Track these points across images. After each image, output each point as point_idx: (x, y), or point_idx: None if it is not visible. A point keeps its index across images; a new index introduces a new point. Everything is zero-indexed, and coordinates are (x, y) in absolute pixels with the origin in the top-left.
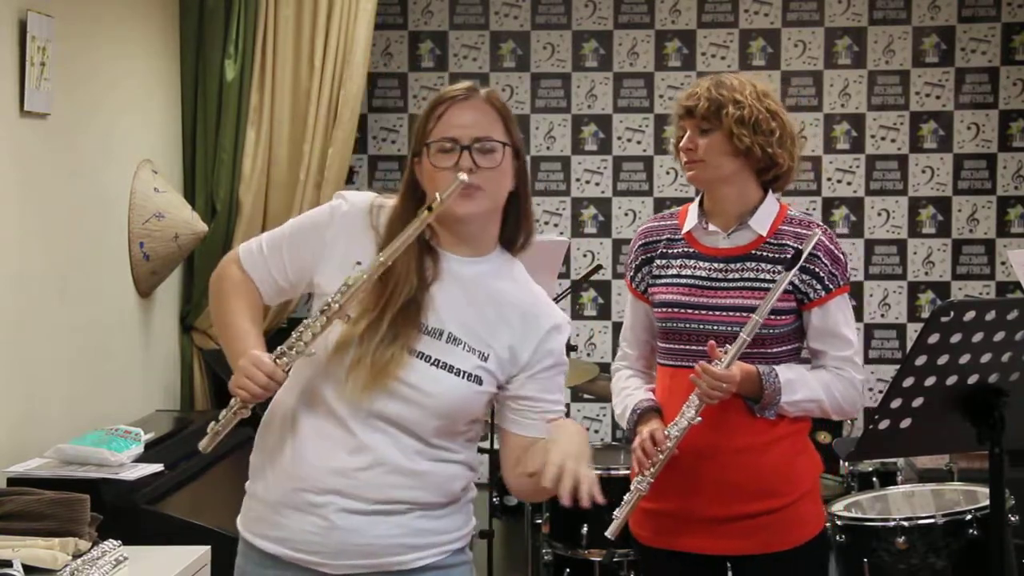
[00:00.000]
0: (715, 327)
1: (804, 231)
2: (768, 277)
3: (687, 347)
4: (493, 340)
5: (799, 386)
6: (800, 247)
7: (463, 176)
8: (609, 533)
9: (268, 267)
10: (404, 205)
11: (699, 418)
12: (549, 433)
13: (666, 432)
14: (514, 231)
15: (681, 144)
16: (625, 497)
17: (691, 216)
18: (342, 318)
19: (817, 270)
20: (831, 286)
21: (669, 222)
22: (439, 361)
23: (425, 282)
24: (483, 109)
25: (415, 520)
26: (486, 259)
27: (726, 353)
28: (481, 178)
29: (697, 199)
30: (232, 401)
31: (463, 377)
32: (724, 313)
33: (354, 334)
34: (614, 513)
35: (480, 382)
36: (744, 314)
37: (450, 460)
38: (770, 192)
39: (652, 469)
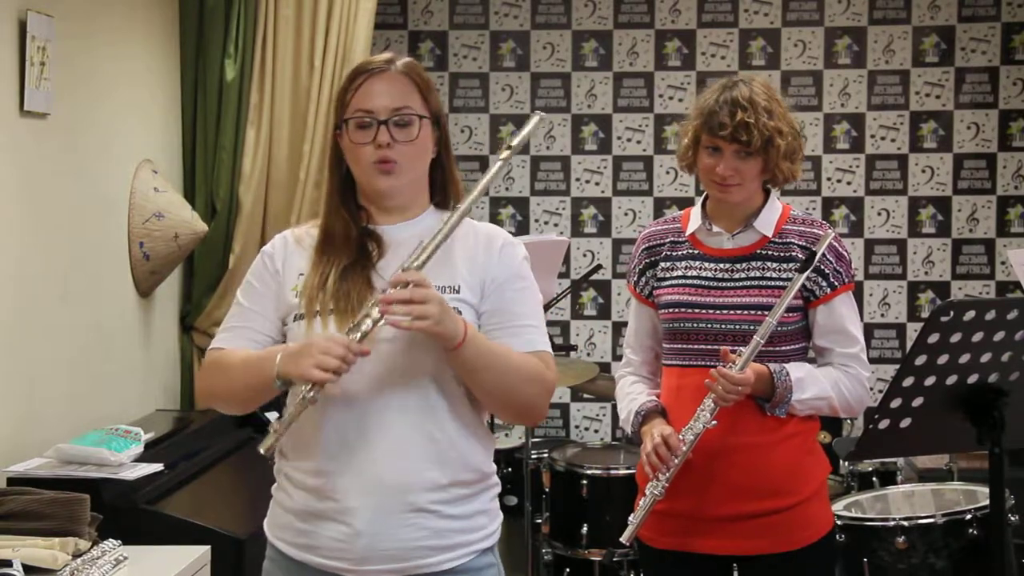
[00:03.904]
0: (723, 326)
1: (809, 229)
2: (774, 275)
3: (695, 346)
4: (457, 273)
5: (809, 384)
6: (806, 245)
7: (541, 114)
8: (624, 539)
9: (250, 330)
10: (333, 179)
11: (715, 422)
12: (522, 348)
13: (680, 436)
14: (442, 195)
15: (719, 169)
16: (640, 502)
17: (694, 218)
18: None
19: (823, 268)
20: (836, 283)
21: (672, 226)
22: None
23: (371, 258)
24: (400, 81)
25: (440, 521)
26: (421, 219)
27: (740, 356)
28: (398, 152)
29: (699, 201)
30: (300, 389)
31: None
32: (732, 312)
33: (316, 319)
34: (629, 519)
35: (460, 312)
36: (751, 312)
37: (465, 425)
38: (772, 193)
39: (667, 474)
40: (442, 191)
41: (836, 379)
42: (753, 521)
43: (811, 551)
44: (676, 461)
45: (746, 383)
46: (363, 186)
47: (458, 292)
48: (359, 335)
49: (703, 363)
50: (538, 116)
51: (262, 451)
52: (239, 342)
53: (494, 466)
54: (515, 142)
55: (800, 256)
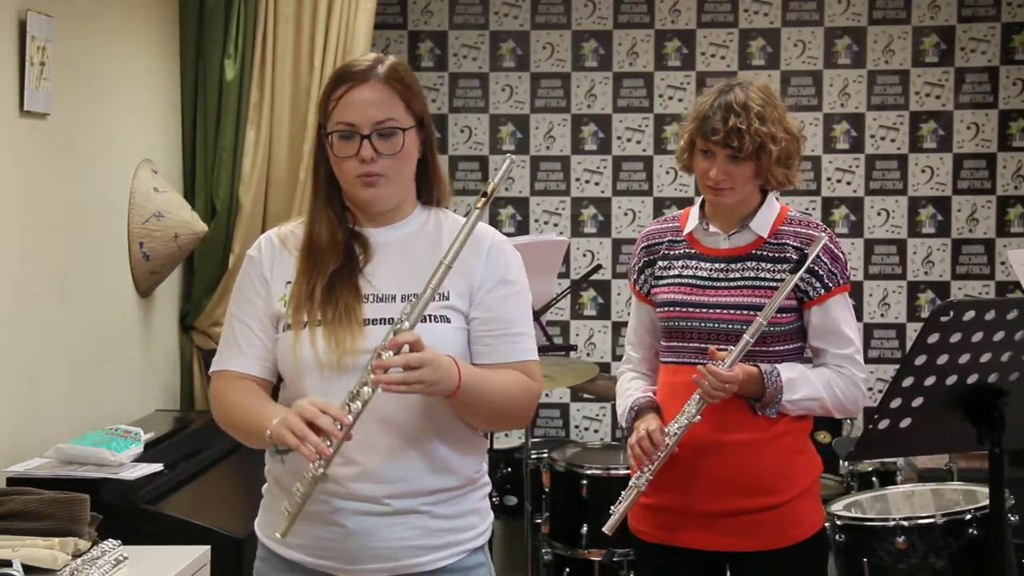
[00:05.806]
0: (716, 325)
1: (804, 231)
2: (768, 276)
3: (689, 344)
4: (446, 279)
5: (800, 384)
6: (801, 247)
7: (512, 157)
8: (606, 528)
9: (246, 346)
10: (317, 179)
11: (699, 416)
12: (513, 357)
13: (666, 430)
14: (428, 194)
15: (712, 173)
16: (623, 493)
17: (692, 218)
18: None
19: (817, 269)
20: (831, 284)
21: (671, 224)
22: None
23: (358, 263)
24: (381, 90)
25: (431, 520)
26: (409, 220)
27: (728, 354)
28: (382, 165)
29: (698, 201)
30: (309, 466)
31: (429, 321)
32: (725, 311)
33: (305, 330)
34: (611, 509)
35: (448, 320)
36: (745, 312)
37: (454, 428)
38: (770, 194)
39: (651, 467)
40: (428, 190)
41: (829, 380)
42: (742, 518)
43: (802, 548)
44: (660, 455)
45: (733, 380)
46: (348, 196)
47: (447, 299)
48: (356, 406)
49: (697, 360)
50: (509, 159)
51: (279, 535)
52: (241, 360)
53: (485, 466)
54: (490, 189)
55: (794, 257)
